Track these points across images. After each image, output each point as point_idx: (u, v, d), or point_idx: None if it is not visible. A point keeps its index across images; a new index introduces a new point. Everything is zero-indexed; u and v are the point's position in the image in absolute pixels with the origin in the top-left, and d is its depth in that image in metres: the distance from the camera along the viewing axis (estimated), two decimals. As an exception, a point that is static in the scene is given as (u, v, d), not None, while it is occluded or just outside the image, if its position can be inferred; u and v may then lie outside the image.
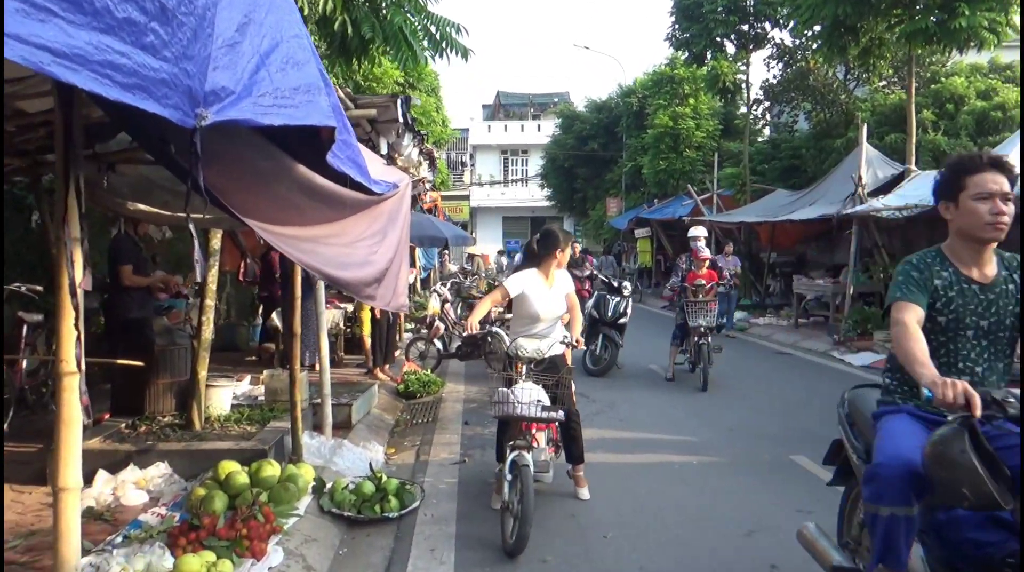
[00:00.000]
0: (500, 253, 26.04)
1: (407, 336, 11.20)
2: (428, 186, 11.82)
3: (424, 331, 10.22)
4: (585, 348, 4.51)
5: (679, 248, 19.29)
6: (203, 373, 5.47)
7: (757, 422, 6.97)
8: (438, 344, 9.87)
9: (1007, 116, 14.49)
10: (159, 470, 4.74)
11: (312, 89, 2.42)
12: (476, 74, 74.11)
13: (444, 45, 8.09)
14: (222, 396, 5.77)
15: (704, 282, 8.94)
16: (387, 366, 9.06)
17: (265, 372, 6.57)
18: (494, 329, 4.51)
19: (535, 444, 4.48)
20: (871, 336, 11.22)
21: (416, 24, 7.99)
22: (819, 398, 8.13)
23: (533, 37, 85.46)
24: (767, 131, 24.59)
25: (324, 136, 2.70)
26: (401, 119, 6.28)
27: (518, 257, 24.31)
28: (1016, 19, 11.31)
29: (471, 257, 24.05)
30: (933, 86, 16.34)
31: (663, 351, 11.33)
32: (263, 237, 2.80)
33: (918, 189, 11.63)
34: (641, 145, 27.01)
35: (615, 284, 9.84)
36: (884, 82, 18.97)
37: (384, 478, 4.73)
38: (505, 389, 4.36)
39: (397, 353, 9.84)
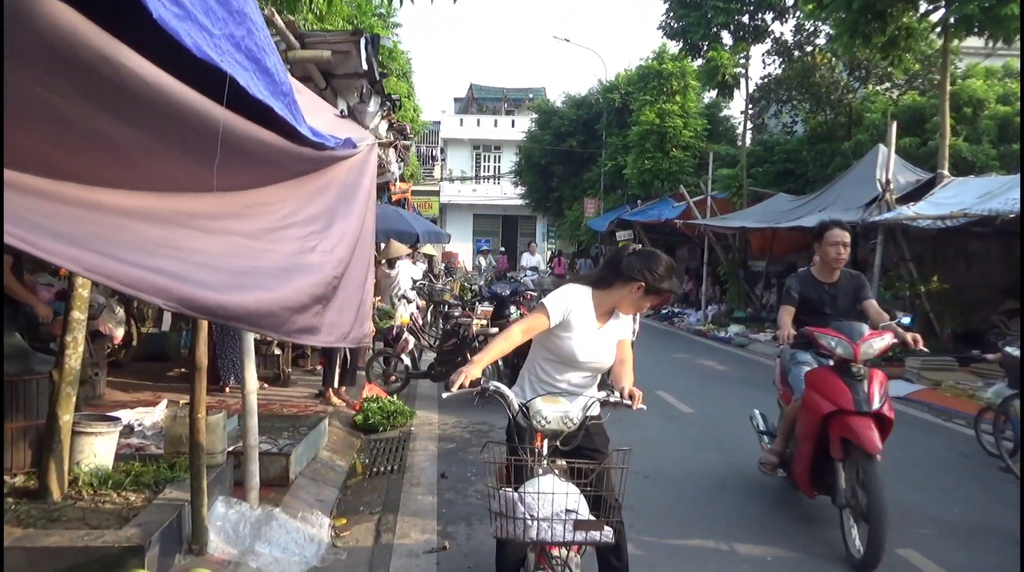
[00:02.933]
0: (482, 253, 24.34)
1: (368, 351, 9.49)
2: (397, 172, 10.11)
3: (385, 346, 8.53)
4: (644, 407, 2.70)
5: (666, 252, 17.86)
6: (67, 417, 3.75)
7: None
8: (406, 361, 8.20)
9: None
10: (-31, 581, 3.01)
11: None
12: (448, 65, 72.20)
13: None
14: (99, 447, 4.04)
15: None
16: (344, 389, 7.36)
17: (164, 411, 4.84)
18: (493, 385, 2.83)
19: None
20: (902, 362, 9.84)
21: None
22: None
23: (509, 29, 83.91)
24: (756, 134, 23.33)
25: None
26: (365, 68, 4.58)
27: (490, 258, 22.76)
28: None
29: (425, 257, 20.26)
30: (951, 87, 15.12)
31: (670, 372, 9.79)
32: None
33: (956, 196, 10.32)
34: (623, 143, 25.59)
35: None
36: (888, 83, 17.82)
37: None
38: (511, 494, 2.54)
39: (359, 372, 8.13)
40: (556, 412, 2.74)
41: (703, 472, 5.63)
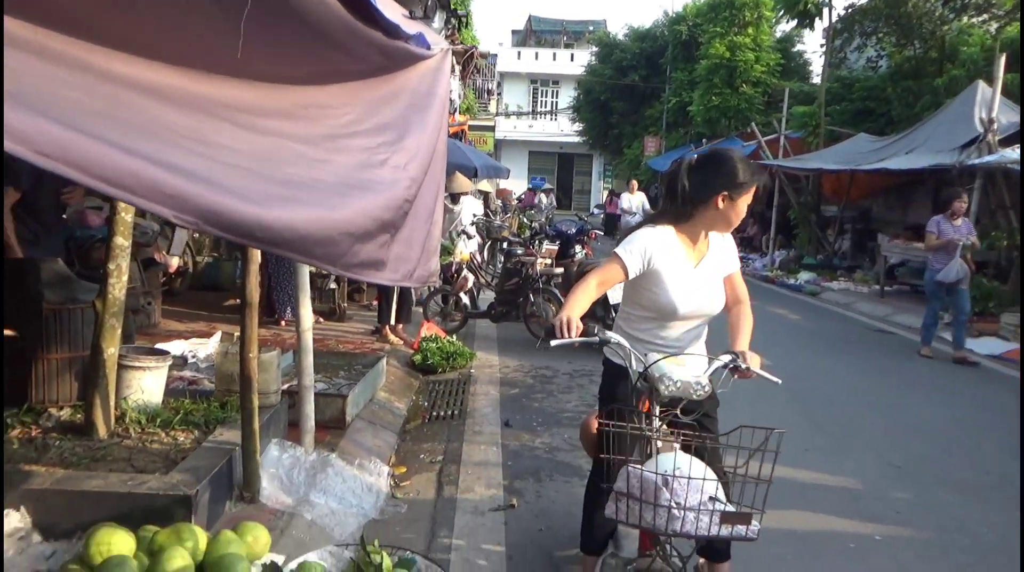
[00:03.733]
0: (545, 191, 21.23)
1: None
2: (457, 100, 9.57)
3: (444, 284, 8.18)
4: (778, 381, 2.17)
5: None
6: (111, 350, 3.48)
7: (921, 450, 4.90)
8: (465, 299, 7.84)
9: None
10: (8, 524, 2.79)
11: None
12: (506, -2, 69.86)
13: None
14: (147, 382, 3.79)
15: None
16: (401, 326, 7.06)
17: (216, 345, 4.57)
18: (614, 337, 2.37)
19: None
20: (996, 317, 9.09)
21: None
22: (975, 407, 6.08)
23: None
24: (833, 70, 21.84)
25: None
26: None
27: (552, 197, 21.34)
28: None
29: (481, 193, 18.20)
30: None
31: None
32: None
33: (1073, 138, 9.31)
34: (689, 79, 24.40)
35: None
36: (987, 16, 16.31)
37: (384, 565, 2.76)
38: (652, 476, 2.02)
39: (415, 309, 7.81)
40: (685, 376, 2.22)
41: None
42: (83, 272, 4.62)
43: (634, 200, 16.87)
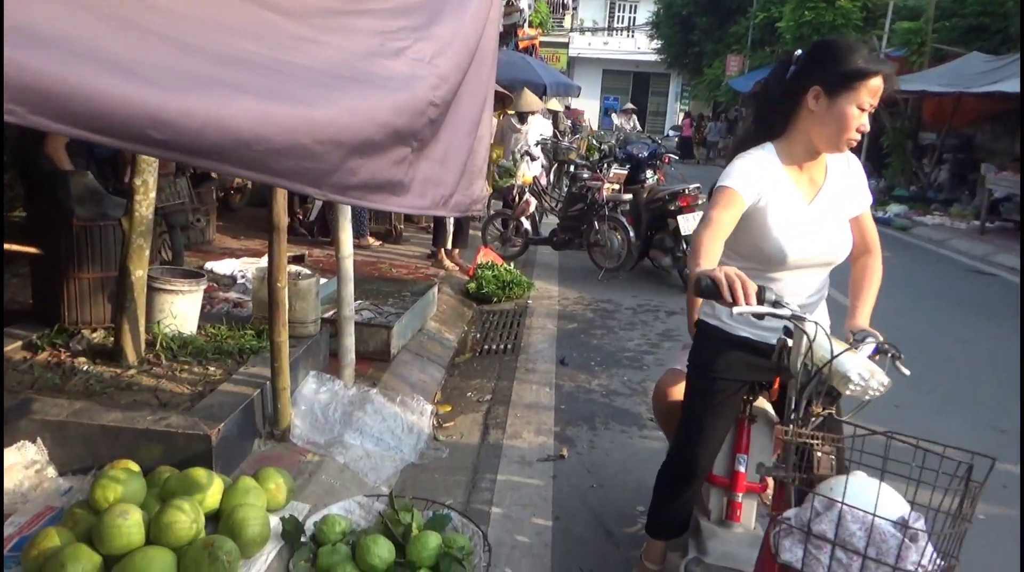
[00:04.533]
0: (624, 112, 17.72)
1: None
2: (527, 12, 8.90)
3: (504, 207, 7.77)
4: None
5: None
6: (139, 272, 3.26)
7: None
8: (526, 224, 7.43)
9: None
10: (24, 456, 2.63)
11: None
12: (585, -95, 66.01)
13: None
14: (180, 306, 3.58)
15: None
16: (457, 252, 6.74)
17: (253, 267, 4.34)
18: (793, 309, 1.73)
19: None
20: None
21: None
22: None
23: None
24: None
25: None
26: None
27: (634, 120, 19.14)
28: None
29: (550, 112, 15.65)
30: None
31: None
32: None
33: None
34: (780, -9, 22.55)
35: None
36: None
37: (414, 523, 2.49)
38: (873, 518, 1.37)
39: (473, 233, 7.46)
40: (870, 370, 1.59)
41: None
42: (118, 187, 4.42)
43: None
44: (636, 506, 3.00)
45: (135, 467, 2.60)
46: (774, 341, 1.87)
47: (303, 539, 2.46)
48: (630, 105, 18.84)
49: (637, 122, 17.46)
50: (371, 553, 2.29)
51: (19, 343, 3.33)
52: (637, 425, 3.78)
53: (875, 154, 15.91)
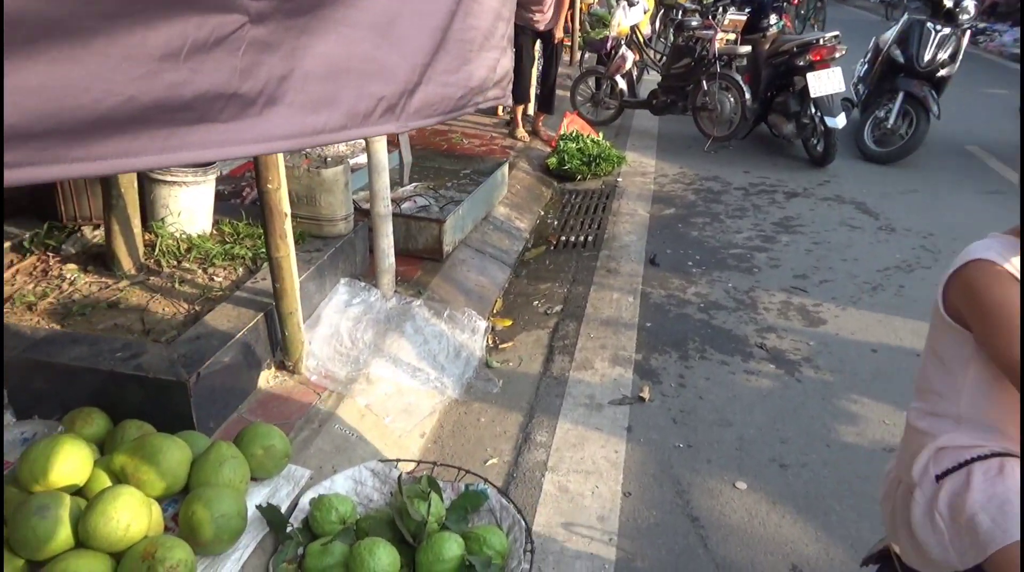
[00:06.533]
0: None
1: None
2: None
3: (597, 63, 6.67)
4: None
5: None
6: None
7: None
8: (621, 84, 6.36)
9: None
10: (-23, 395, 2.18)
11: None
12: None
13: None
14: (187, 200, 2.98)
15: None
16: (541, 118, 5.83)
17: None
18: None
19: None
20: None
21: None
22: None
23: None
24: None
25: None
26: None
27: None
28: None
29: None
30: None
31: (985, 120, 7.09)
32: None
33: None
34: None
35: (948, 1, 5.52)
36: None
37: (432, 515, 1.90)
38: None
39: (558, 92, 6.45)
40: None
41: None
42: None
43: None
44: (736, 481, 2.30)
45: (101, 419, 2.12)
46: None
47: (294, 526, 1.93)
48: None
49: None
50: (364, 566, 1.72)
51: (8, 244, 2.86)
52: (742, 353, 3.01)
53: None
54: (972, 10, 5.50)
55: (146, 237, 2.90)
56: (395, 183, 3.88)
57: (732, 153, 5.85)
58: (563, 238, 4.17)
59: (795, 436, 2.52)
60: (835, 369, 2.91)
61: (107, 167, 0.93)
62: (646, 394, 2.72)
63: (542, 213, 4.57)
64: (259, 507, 1.90)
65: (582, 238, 4.16)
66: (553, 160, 5.18)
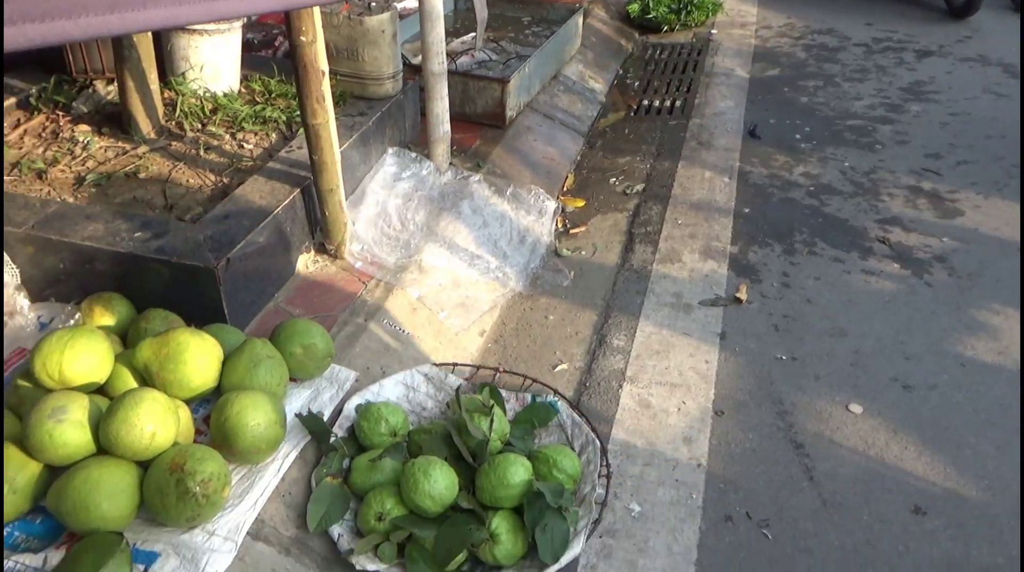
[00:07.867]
0: None
1: None
2: None
3: None
4: None
5: None
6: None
7: None
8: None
9: None
10: (-16, 276, 1.94)
11: None
12: None
13: None
14: (210, 54, 2.58)
15: None
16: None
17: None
18: None
19: None
20: None
21: None
22: None
23: None
24: None
25: None
26: None
27: None
28: None
29: None
30: None
31: None
32: None
33: None
34: None
35: None
36: None
37: (495, 432, 1.61)
38: None
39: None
40: None
41: None
42: None
43: None
44: (850, 403, 1.93)
45: (123, 305, 1.86)
46: None
47: (338, 436, 1.68)
48: None
49: None
50: (419, 489, 1.46)
51: (12, 100, 2.55)
52: (860, 249, 2.55)
53: None
54: None
55: (165, 95, 2.54)
56: (449, 34, 3.39)
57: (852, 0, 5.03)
58: (646, 102, 3.64)
59: (922, 352, 2.12)
60: (973, 272, 2.44)
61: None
62: (743, 294, 2.32)
63: (621, 71, 4.00)
64: (299, 416, 1.64)
65: (668, 103, 3.62)
66: (635, 7, 4.51)
